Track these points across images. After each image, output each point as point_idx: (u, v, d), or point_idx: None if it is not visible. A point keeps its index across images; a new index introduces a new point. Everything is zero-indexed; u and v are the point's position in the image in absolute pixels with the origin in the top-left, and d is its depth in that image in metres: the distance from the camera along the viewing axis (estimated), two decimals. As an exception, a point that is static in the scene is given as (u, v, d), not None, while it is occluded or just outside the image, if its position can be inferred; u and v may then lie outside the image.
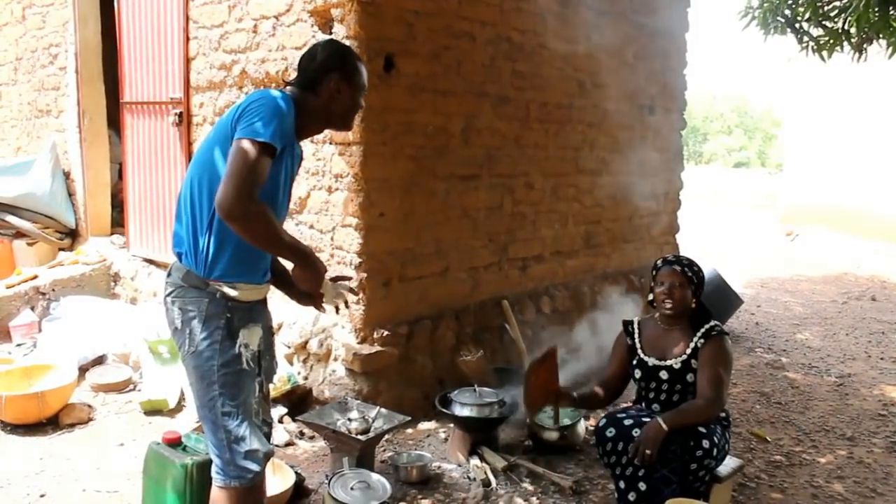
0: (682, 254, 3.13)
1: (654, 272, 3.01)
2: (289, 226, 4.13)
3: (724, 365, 2.83)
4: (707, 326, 2.89)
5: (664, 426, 2.63)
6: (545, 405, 3.01)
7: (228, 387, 2.10)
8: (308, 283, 2.17)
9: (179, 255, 2.16)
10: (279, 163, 2.07)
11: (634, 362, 2.99)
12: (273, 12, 4.08)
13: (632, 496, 2.73)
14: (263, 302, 2.28)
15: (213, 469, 2.16)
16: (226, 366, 2.09)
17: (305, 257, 2.10)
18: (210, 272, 2.09)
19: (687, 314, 2.94)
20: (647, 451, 2.61)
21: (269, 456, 2.18)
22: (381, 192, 3.84)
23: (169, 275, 2.18)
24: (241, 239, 2.05)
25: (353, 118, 2.28)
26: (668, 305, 2.92)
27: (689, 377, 2.85)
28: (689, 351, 2.87)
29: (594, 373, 3.48)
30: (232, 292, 2.10)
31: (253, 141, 1.93)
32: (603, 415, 2.98)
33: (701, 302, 2.97)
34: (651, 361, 2.94)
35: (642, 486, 2.70)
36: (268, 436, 2.41)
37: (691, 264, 2.97)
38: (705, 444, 2.64)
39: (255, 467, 2.12)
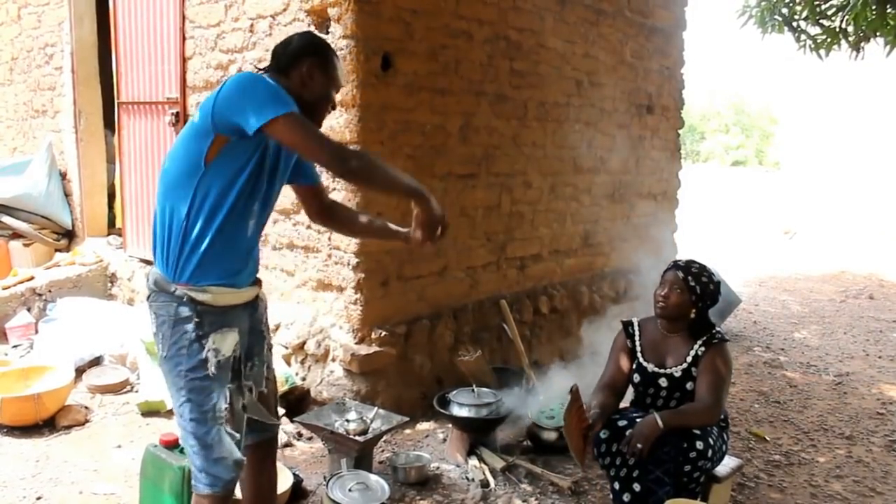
0: (697, 260, 3.01)
1: (664, 271, 2.98)
2: (286, 226, 4.13)
3: (725, 372, 2.80)
4: (708, 334, 2.88)
5: (660, 423, 2.62)
6: (587, 445, 2.78)
7: (195, 392, 2.04)
8: (429, 216, 2.04)
9: (154, 258, 2.12)
10: (249, 148, 1.99)
11: (634, 366, 2.97)
12: (269, 12, 4.06)
13: (626, 497, 2.72)
14: (246, 306, 2.18)
15: (192, 475, 2.13)
16: (192, 371, 2.03)
17: (420, 193, 2.03)
18: (178, 276, 2.03)
19: (684, 321, 2.89)
20: (639, 446, 2.59)
21: (239, 464, 2.10)
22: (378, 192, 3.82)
23: (147, 279, 2.14)
24: (213, 241, 2.00)
25: (323, 112, 2.16)
26: (660, 307, 2.90)
27: (689, 385, 2.83)
28: (689, 359, 2.85)
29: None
30: (200, 296, 2.03)
31: (284, 117, 1.86)
32: None
33: (704, 314, 2.90)
34: (650, 368, 2.91)
35: (636, 486, 2.69)
36: (273, 438, 2.40)
37: (699, 274, 2.87)
38: (699, 445, 2.63)
39: (224, 475, 2.06)
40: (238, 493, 2.38)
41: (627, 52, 5.55)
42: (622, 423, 2.79)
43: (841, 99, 11.75)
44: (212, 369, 2.04)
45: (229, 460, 2.07)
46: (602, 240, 5.53)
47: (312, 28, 3.83)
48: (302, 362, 4.06)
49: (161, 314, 2.07)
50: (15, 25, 6.51)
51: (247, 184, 2.03)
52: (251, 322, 2.21)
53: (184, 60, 4.68)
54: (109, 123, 5.86)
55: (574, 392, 2.71)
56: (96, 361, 4.48)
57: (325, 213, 2.43)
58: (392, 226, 2.43)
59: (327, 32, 3.73)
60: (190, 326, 2.03)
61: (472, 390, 3.56)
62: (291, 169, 2.25)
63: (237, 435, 2.14)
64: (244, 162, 2.00)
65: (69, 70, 5.84)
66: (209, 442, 2.05)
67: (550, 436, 3.59)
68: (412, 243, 2.22)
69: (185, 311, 2.03)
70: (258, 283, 2.24)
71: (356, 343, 3.83)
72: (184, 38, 4.66)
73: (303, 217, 4.07)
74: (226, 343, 2.07)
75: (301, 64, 2.08)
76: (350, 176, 1.99)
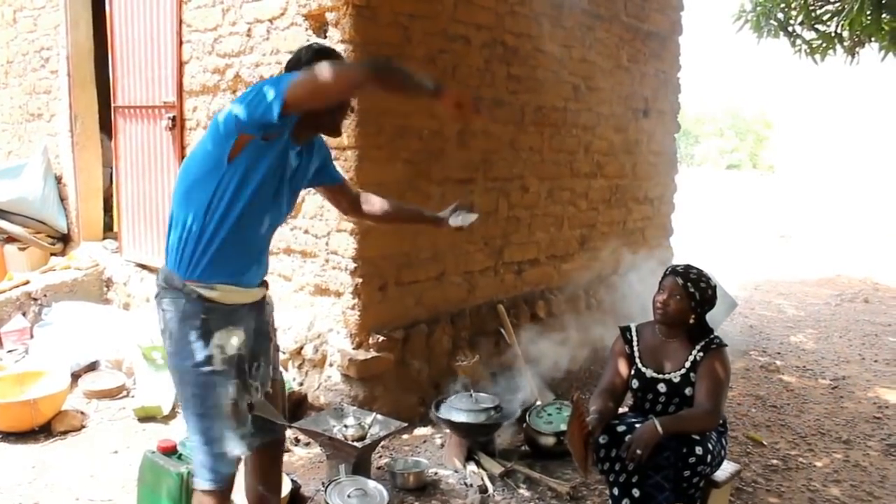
0: (694, 265, 3.00)
1: (662, 277, 2.98)
2: (283, 231, 4.12)
3: (723, 378, 2.80)
4: (706, 339, 2.88)
5: (659, 429, 2.61)
6: (589, 454, 2.76)
7: (200, 387, 2.09)
8: (456, 98, 2.18)
9: (166, 256, 2.16)
10: (270, 150, 2.05)
11: (632, 372, 2.97)
12: (267, 16, 4.06)
13: (625, 502, 2.71)
14: (254, 305, 2.22)
15: (194, 471, 2.17)
16: (198, 366, 2.08)
17: (441, 89, 2.16)
18: (189, 273, 2.08)
19: (683, 327, 2.89)
20: (638, 451, 2.59)
21: (238, 460, 2.17)
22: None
23: (157, 277, 2.19)
24: (227, 238, 2.05)
25: (342, 117, 2.24)
26: (659, 313, 2.90)
27: (688, 391, 2.83)
28: (688, 364, 2.85)
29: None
30: (208, 293, 2.08)
31: (292, 83, 1.91)
32: None
33: (702, 319, 2.91)
34: (649, 373, 2.91)
35: (636, 492, 2.68)
36: (280, 441, 2.44)
37: (698, 280, 2.87)
38: (698, 450, 2.63)
39: (224, 470, 2.12)
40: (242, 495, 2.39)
41: (624, 57, 5.56)
42: (621, 428, 2.78)
43: (835, 103, 11.82)
44: (217, 365, 2.08)
45: (230, 455, 2.12)
46: (599, 244, 5.54)
47: (310, 32, 3.83)
48: (299, 367, 4.05)
49: (169, 310, 2.10)
50: (10, 29, 6.49)
51: (264, 183, 2.08)
52: (257, 323, 2.25)
53: (181, 64, 4.67)
54: (105, 127, 5.84)
55: (576, 402, 2.70)
56: (92, 366, 4.46)
57: (355, 205, 2.54)
58: (425, 211, 2.63)
59: (325, 37, 3.73)
60: (197, 322, 2.07)
61: (470, 395, 3.56)
62: (316, 173, 2.35)
63: (240, 431, 2.17)
64: (263, 161, 2.06)
65: (65, 74, 5.82)
66: (213, 436, 2.10)
67: (548, 441, 3.59)
68: (444, 226, 2.47)
69: (193, 308, 2.08)
70: (265, 284, 2.28)
71: (354, 348, 3.83)
72: (181, 42, 4.65)
73: (301, 222, 4.06)
74: (231, 341, 2.11)
75: None
76: (381, 84, 2.06)
